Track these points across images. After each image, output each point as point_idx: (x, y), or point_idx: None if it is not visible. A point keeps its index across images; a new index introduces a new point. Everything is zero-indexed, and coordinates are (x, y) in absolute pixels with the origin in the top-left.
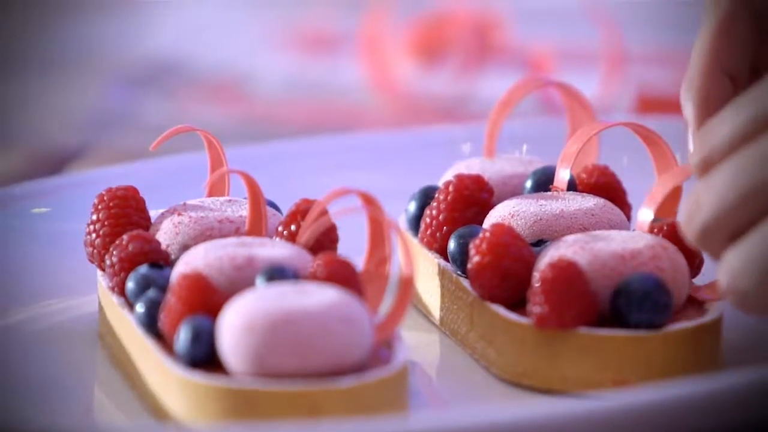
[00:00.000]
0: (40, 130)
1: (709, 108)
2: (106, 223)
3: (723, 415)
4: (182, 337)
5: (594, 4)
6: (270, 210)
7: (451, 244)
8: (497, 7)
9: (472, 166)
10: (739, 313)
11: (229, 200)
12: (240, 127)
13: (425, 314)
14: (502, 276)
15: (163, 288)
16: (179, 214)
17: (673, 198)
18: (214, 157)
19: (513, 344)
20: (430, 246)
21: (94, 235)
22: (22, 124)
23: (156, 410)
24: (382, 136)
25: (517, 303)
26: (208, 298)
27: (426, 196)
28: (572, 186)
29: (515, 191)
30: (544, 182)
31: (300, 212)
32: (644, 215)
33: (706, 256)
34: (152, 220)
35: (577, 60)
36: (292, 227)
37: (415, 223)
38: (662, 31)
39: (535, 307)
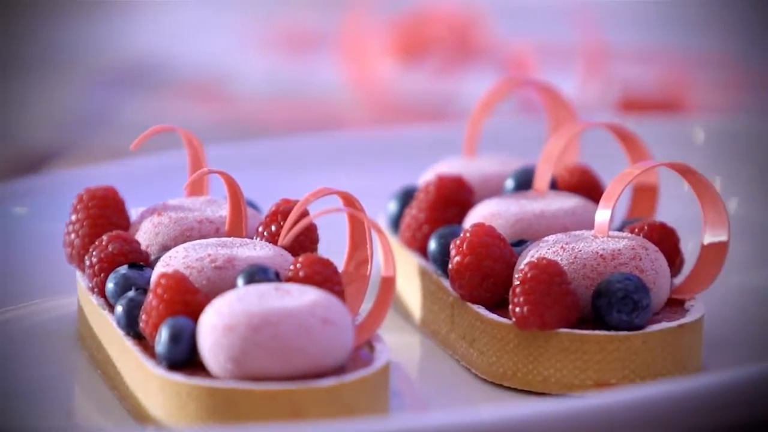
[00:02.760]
0: (19, 130)
1: None
2: (85, 223)
3: (703, 416)
4: (162, 337)
5: (575, 3)
6: (250, 210)
7: (432, 245)
8: (477, 6)
9: (452, 165)
10: (719, 314)
11: (209, 200)
12: (220, 127)
13: (406, 315)
14: (483, 276)
15: (143, 289)
16: (159, 215)
17: (647, 197)
18: (194, 157)
19: (494, 344)
20: (410, 246)
21: (73, 236)
22: (1, 124)
23: (136, 411)
24: (363, 136)
25: (498, 303)
26: (188, 299)
27: (406, 196)
28: (553, 186)
29: (496, 191)
30: (524, 182)
31: (280, 213)
32: (602, 215)
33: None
34: (132, 221)
35: (558, 58)
36: (273, 228)
37: (396, 223)
38: (646, 30)
39: (516, 307)
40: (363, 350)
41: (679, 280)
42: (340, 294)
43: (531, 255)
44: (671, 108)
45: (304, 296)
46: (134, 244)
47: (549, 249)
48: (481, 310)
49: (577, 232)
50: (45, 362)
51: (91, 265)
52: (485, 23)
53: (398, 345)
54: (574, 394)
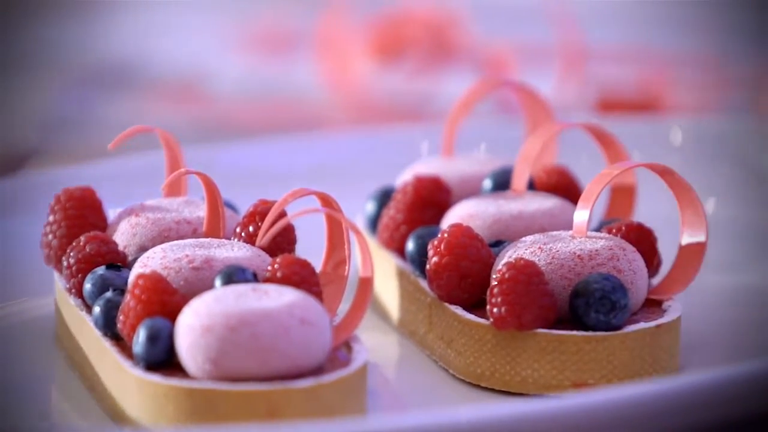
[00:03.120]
0: None
1: None
2: (62, 224)
3: (681, 416)
4: (140, 338)
5: (553, 3)
6: (228, 211)
7: (410, 245)
8: (455, 7)
9: (430, 166)
10: (697, 314)
11: (187, 201)
12: (198, 128)
13: (383, 315)
14: (461, 276)
15: (121, 289)
16: (136, 215)
17: (625, 197)
18: (172, 158)
19: (471, 345)
20: (388, 247)
21: (51, 236)
22: None
23: (114, 412)
24: (340, 137)
25: (476, 304)
26: (166, 300)
27: (384, 197)
28: (531, 186)
29: (474, 191)
30: (502, 182)
31: (258, 213)
32: (580, 216)
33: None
34: (109, 221)
35: (537, 58)
36: (250, 228)
37: (374, 223)
38: (623, 30)
39: (494, 307)
40: (341, 351)
41: (656, 280)
42: (317, 295)
43: (509, 255)
44: (649, 108)
45: (281, 297)
46: (112, 244)
47: (527, 249)
48: (459, 311)
49: (555, 233)
50: (22, 363)
51: (69, 266)
52: (463, 23)
53: (376, 345)
54: (552, 395)
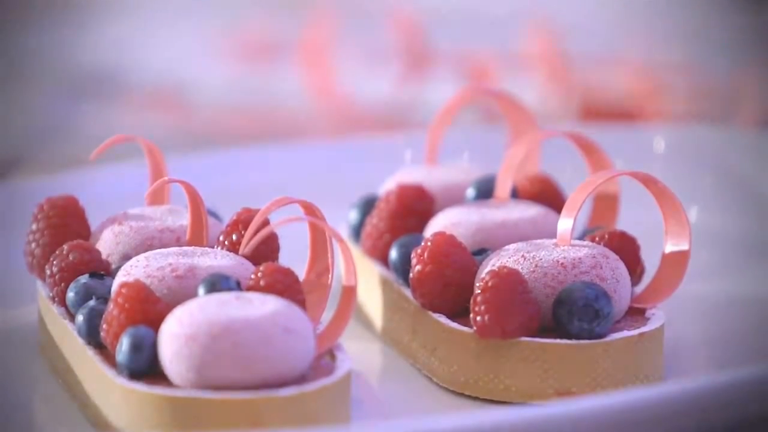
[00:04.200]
0: None
1: None
2: (45, 232)
3: (664, 424)
4: (123, 347)
5: (537, 11)
6: (211, 219)
7: (393, 253)
8: (439, 14)
9: (413, 174)
10: (680, 322)
11: (170, 209)
12: (181, 136)
13: (367, 324)
14: (444, 285)
15: (104, 298)
16: (120, 224)
17: (608, 205)
18: (155, 167)
19: (455, 353)
20: (371, 255)
21: (34, 245)
22: None
23: (97, 421)
24: (323, 145)
25: (460, 312)
26: (149, 308)
27: (367, 205)
28: (514, 195)
29: (457, 199)
30: (485, 191)
31: (241, 222)
32: (564, 224)
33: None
34: (92, 230)
35: (521, 66)
36: (234, 237)
37: (357, 232)
38: (607, 39)
39: (477, 316)
40: (324, 359)
41: (639, 288)
42: (301, 303)
43: (492, 264)
44: (632, 117)
45: (265, 305)
46: (95, 253)
47: (510, 258)
48: (442, 319)
49: (538, 241)
50: (5, 372)
51: (52, 275)
52: (447, 31)
53: (360, 354)
54: (535, 403)
